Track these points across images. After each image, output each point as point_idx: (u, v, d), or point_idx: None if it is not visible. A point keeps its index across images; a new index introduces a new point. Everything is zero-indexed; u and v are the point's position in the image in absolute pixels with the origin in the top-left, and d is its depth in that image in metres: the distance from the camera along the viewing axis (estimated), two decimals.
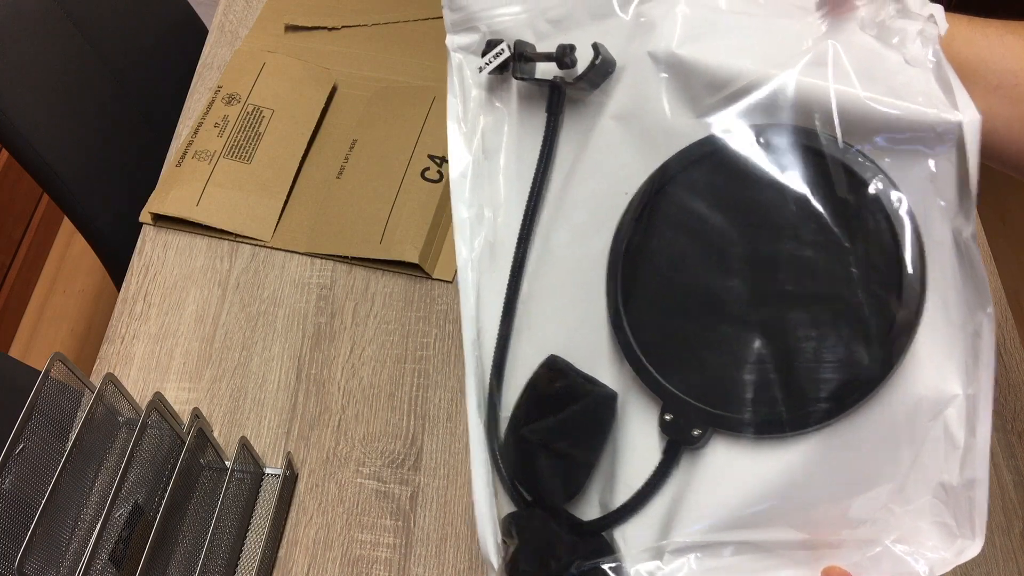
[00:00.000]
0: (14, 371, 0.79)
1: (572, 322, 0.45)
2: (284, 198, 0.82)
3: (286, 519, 0.66)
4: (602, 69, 0.44)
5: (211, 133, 0.84)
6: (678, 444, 0.42)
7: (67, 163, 0.89)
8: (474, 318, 0.47)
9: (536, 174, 0.47)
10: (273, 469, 0.68)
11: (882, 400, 0.39)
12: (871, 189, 0.39)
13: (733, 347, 0.41)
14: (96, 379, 0.64)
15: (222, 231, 0.80)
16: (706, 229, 0.42)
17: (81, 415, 0.58)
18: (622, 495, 0.43)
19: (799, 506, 0.41)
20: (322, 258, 0.79)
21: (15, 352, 1.53)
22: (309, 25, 0.95)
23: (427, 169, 0.82)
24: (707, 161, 0.42)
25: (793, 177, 0.40)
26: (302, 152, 0.84)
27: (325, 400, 0.72)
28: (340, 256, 0.79)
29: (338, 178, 0.82)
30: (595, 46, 0.43)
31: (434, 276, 0.78)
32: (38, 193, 1.62)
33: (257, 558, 0.63)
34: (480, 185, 0.48)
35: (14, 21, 0.85)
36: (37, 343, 1.55)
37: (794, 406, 0.40)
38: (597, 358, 0.45)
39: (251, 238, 0.80)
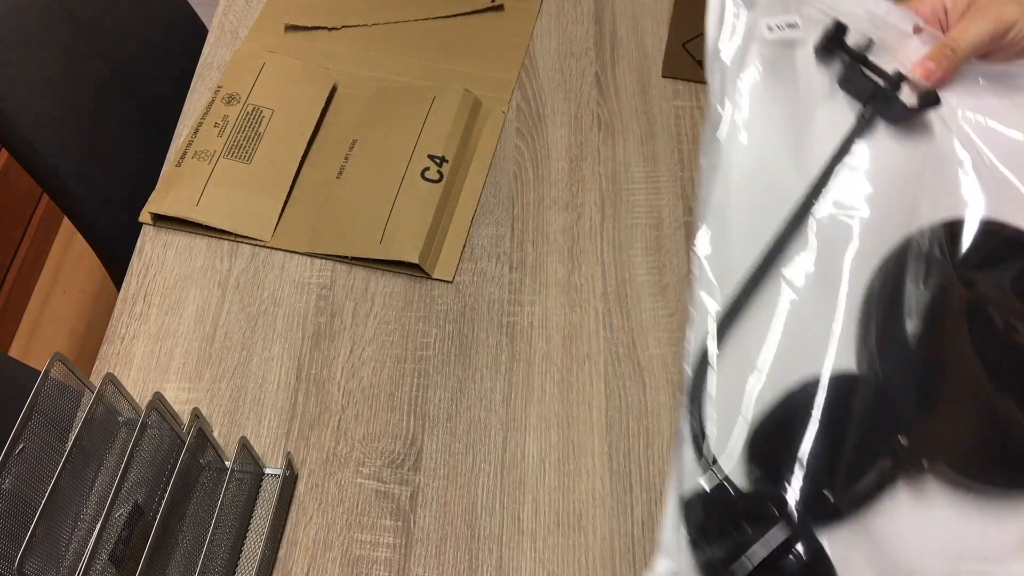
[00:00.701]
0: (14, 371, 0.79)
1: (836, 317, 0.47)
2: (284, 198, 0.82)
3: (286, 519, 0.66)
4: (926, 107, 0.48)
5: (211, 133, 0.84)
6: (900, 468, 0.43)
7: (67, 163, 0.89)
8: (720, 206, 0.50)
9: (833, 160, 0.49)
10: (273, 469, 0.68)
11: None
12: None
13: (985, 404, 0.43)
14: (96, 379, 0.64)
15: (222, 231, 0.80)
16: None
17: (81, 415, 0.58)
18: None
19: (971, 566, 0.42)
20: (322, 258, 0.79)
21: (15, 352, 1.53)
22: (309, 25, 0.95)
23: (427, 169, 0.82)
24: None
25: None
26: (302, 152, 0.84)
27: (325, 400, 0.72)
28: (340, 256, 0.79)
29: (338, 178, 0.82)
30: (932, 92, 0.48)
31: (434, 276, 0.78)
32: (38, 193, 1.62)
33: (257, 558, 0.63)
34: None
35: (14, 21, 0.85)
36: (37, 343, 1.55)
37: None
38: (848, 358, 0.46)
39: (251, 238, 0.80)
